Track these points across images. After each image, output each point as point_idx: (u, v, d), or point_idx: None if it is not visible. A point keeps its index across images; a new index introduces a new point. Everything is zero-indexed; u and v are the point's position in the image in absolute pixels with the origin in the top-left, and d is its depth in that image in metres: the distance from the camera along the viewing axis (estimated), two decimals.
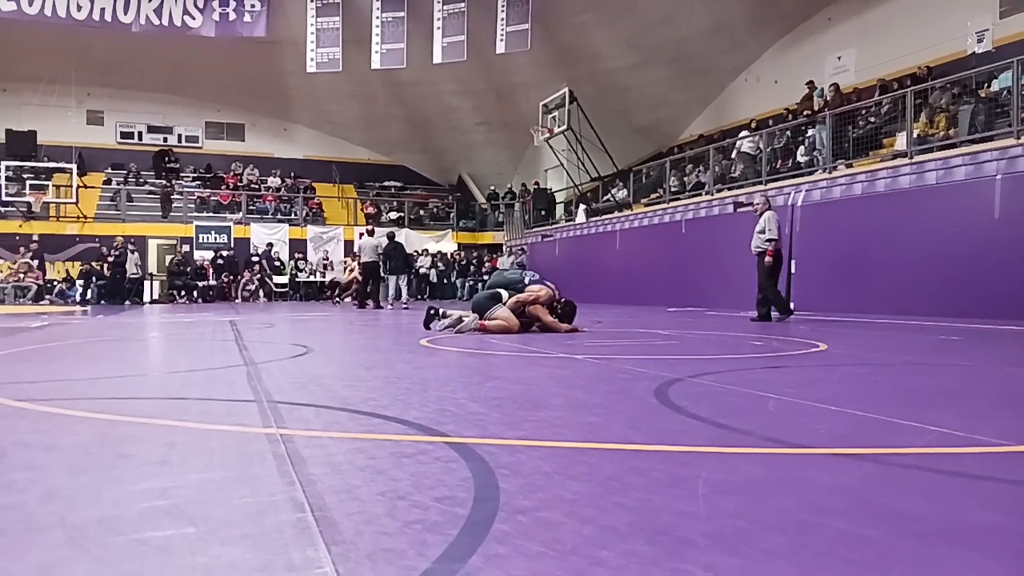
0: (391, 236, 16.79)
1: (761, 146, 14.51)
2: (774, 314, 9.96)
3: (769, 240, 9.76)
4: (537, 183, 26.67)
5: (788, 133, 16.68)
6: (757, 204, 10.25)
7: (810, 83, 17.39)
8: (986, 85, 12.39)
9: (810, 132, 15.67)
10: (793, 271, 13.31)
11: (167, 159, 27.29)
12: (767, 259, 9.73)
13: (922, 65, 15.41)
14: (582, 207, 23.01)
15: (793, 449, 2.37)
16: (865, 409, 3.04)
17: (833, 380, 4.22)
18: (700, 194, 18.13)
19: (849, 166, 13.83)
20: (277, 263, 24.21)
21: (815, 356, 5.44)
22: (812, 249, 12.24)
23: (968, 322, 9.25)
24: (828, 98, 16.05)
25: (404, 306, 15.79)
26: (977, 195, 10.53)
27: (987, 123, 11.74)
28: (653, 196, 20.50)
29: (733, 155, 15.96)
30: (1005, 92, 11.86)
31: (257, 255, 23.92)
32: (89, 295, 20.85)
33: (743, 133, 16.09)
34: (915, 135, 12.69)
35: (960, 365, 4.87)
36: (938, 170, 11.61)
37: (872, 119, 14.42)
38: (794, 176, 15.27)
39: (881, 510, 1.72)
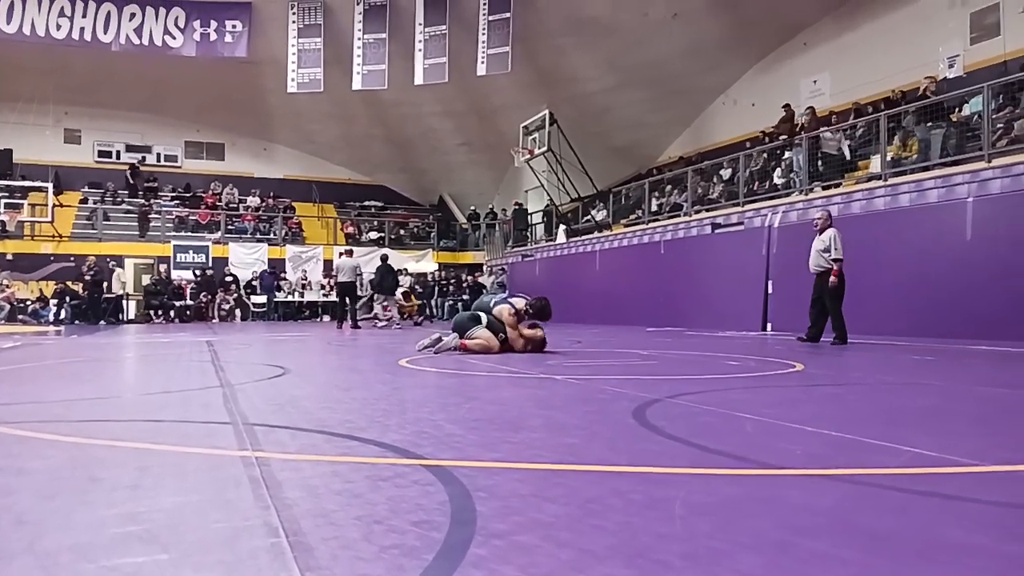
0: (384, 258, 17.08)
1: (843, 144, 13.90)
2: (825, 339, 9.43)
3: (836, 260, 9.20)
4: (518, 203, 26.78)
5: (765, 155, 16.90)
6: (818, 219, 9.67)
7: (786, 106, 17.66)
8: (957, 109, 12.64)
9: (787, 155, 15.89)
10: (770, 291, 13.44)
11: (135, 170, 26.90)
12: (832, 279, 9.16)
13: (895, 89, 15.71)
14: (562, 227, 23.11)
15: (769, 470, 2.38)
16: (841, 429, 3.06)
17: (810, 400, 4.25)
18: (679, 215, 18.28)
19: (827, 187, 14.04)
20: (283, 281, 24.09)
21: (792, 376, 5.48)
22: (789, 270, 12.37)
23: (942, 342, 9.36)
24: (804, 121, 16.29)
25: (397, 326, 15.90)
26: (949, 217, 10.71)
27: (958, 147, 11.97)
28: (632, 217, 20.64)
29: (820, 152, 14.51)
30: (976, 116, 12.11)
31: (258, 274, 23.75)
32: (63, 315, 20.57)
33: (824, 131, 14.63)
34: (889, 158, 12.91)
35: (934, 385, 4.92)
36: (911, 192, 11.80)
37: (848, 142, 14.64)
38: (771, 198, 15.45)
39: (856, 530, 1.73)
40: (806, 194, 14.30)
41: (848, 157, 14.18)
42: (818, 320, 9.47)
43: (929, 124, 12.53)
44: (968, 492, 2.09)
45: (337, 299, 17.64)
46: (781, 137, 16.77)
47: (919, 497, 2.05)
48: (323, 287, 24.39)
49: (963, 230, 10.47)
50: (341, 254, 17.46)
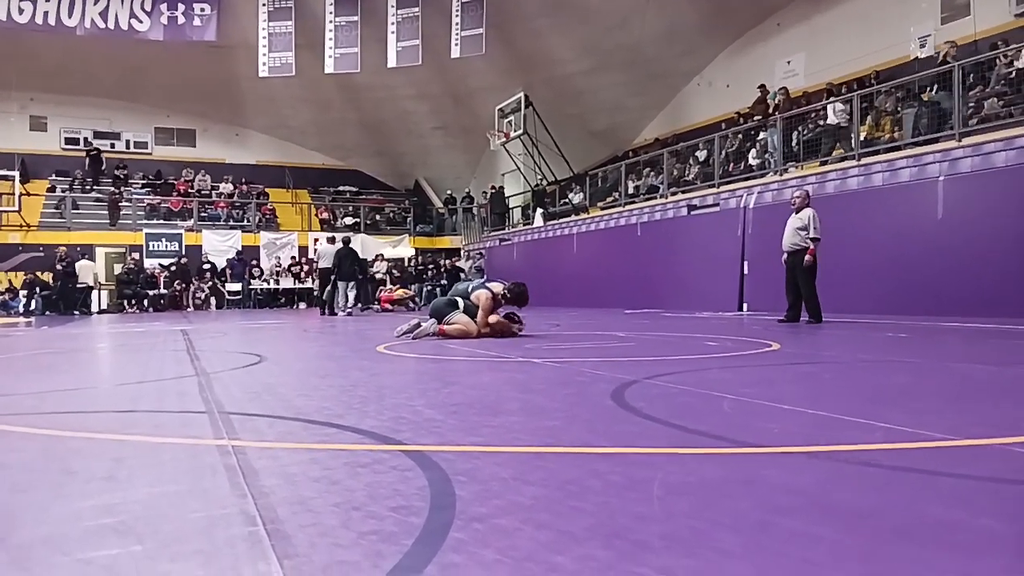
0: (346, 241, 16.53)
1: (852, 113, 13.53)
2: (804, 318, 9.51)
3: (813, 239, 9.24)
4: (494, 187, 26.71)
5: (740, 136, 16.97)
6: (796, 197, 9.70)
7: (762, 87, 17.73)
8: (929, 89, 12.76)
9: (761, 136, 15.97)
10: (746, 272, 13.54)
11: (94, 156, 26.33)
12: (807, 258, 9.22)
13: (870, 69, 15.81)
14: (539, 211, 23.11)
15: (747, 449, 2.40)
16: (818, 407, 3.10)
17: (786, 379, 4.29)
18: (655, 197, 18.34)
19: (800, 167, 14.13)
20: (257, 270, 23.83)
21: (769, 355, 5.53)
22: (764, 250, 12.47)
23: (915, 320, 9.50)
24: (778, 101, 16.37)
25: (347, 313, 15.41)
26: (921, 196, 10.84)
27: (930, 127, 12.09)
28: (609, 200, 20.68)
29: (823, 123, 14.09)
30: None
31: (235, 262, 23.47)
32: (33, 306, 20.24)
33: (834, 101, 14.05)
34: (862, 138, 13.01)
35: (909, 362, 4.99)
36: (884, 172, 11.92)
37: (821, 122, 14.76)
38: (746, 179, 15.54)
39: (835, 508, 1.75)
40: (781, 174, 14.40)
41: (853, 127, 13.76)
42: (796, 301, 9.56)
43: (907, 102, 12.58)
44: (944, 467, 2.12)
45: (318, 286, 17.43)
46: (756, 118, 16.85)
47: (896, 473, 2.08)
48: (293, 273, 24.14)
49: (934, 209, 10.61)
50: (317, 239, 17.23)
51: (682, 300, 14.83)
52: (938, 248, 10.39)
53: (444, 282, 23.12)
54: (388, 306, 18.79)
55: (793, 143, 14.70)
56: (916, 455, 2.28)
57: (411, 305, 19.12)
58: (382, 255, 25.30)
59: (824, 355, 5.62)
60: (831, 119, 13.90)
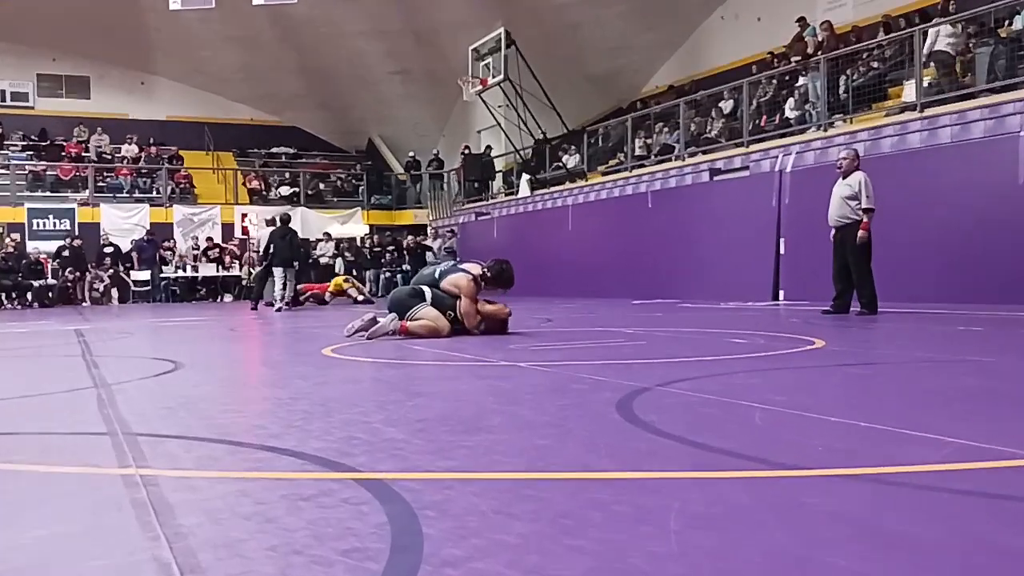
0: (284, 220, 16.19)
1: (952, 47, 13.03)
2: (854, 308, 9.53)
3: (867, 210, 9.21)
4: (468, 148, 26.63)
5: (774, 82, 17.01)
6: (842, 159, 9.68)
7: (801, 20, 17.76)
8: (1007, 23, 12.82)
9: (801, 81, 16.00)
10: (783, 252, 13.60)
11: None
12: (860, 234, 9.20)
13: None
14: (525, 177, 23.07)
15: (784, 471, 2.42)
16: (870, 419, 3.12)
17: (831, 384, 4.32)
18: (669, 159, 18.36)
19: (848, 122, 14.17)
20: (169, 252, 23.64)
21: (810, 355, 5.57)
22: (805, 225, 12.52)
23: (990, 309, 9.58)
24: (821, 39, 16.40)
25: (277, 310, 15.18)
26: (998, 155, 10.90)
27: (1008, 68, 12.15)
28: (612, 163, 20.66)
29: (925, 54, 13.28)
30: None
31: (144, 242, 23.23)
32: None
33: (942, 22, 13.32)
34: (925, 84, 13.06)
35: (983, 361, 5.04)
36: (952, 126, 11.99)
37: (875, 64, 14.80)
38: (782, 135, 15.57)
39: (889, 540, 1.77)
40: (825, 130, 14.45)
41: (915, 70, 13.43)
42: (846, 288, 9.61)
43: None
44: (1022, 491, 2.15)
45: (258, 276, 17.30)
46: (794, 59, 16.88)
47: (963, 498, 2.10)
48: (213, 258, 23.96)
49: (1014, 171, 10.68)
50: (272, 221, 16.91)
51: (703, 287, 14.88)
52: (1020, 219, 10.45)
53: (407, 267, 23.08)
54: (326, 297, 18.64)
55: (840, 90, 14.74)
56: (989, 477, 2.31)
57: (355, 297, 19.00)
58: (328, 234, 25.20)
59: (878, 354, 5.67)
60: (940, 44, 13.16)
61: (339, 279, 19.81)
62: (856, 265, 9.39)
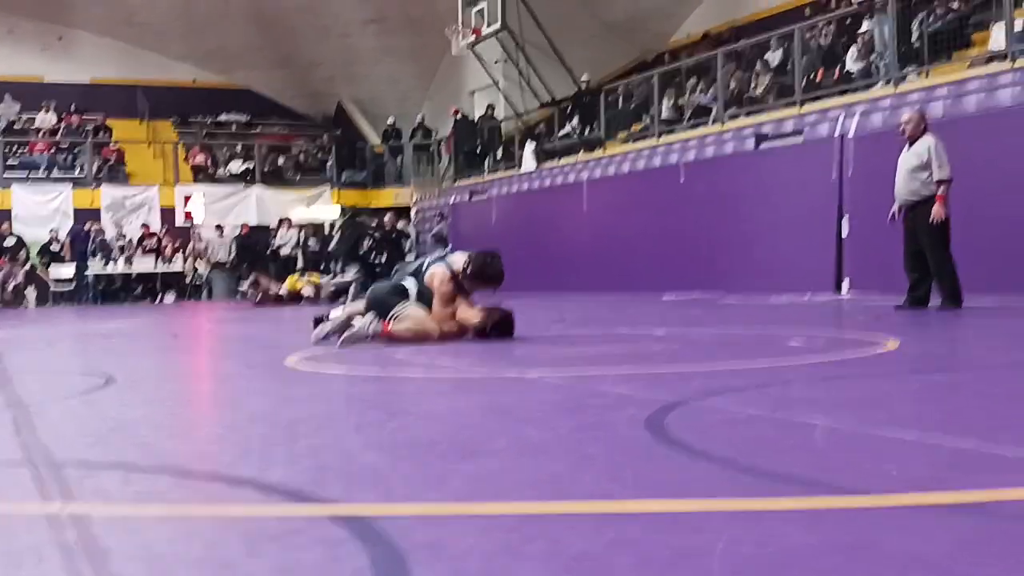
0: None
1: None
2: (935, 302, 9.50)
3: (940, 181, 9.16)
4: (460, 112, 26.58)
5: (832, 28, 16.96)
6: (905, 123, 9.66)
7: None
8: None
9: (865, 26, 15.96)
10: (846, 233, 13.57)
11: None
12: (936, 210, 9.12)
13: None
14: (529, 148, 23.04)
15: (850, 500, 2.41)
16: (955, 437, 3.11)
17: (907, 395, 4.31)
18: (705, 123, 18.32)
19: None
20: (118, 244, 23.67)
21: (882, 359, 5.55)
22: (872, 201, 12.48)
23: None
24: None
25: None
26: None
27: None
28: (635, 129, 20.63)
29: None
30: None
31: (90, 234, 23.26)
32: None
33: None
34: (1018, 27, 13.02)
35: None
36: None
37: (954, 4, 14.76)
38: (842, 93, 15.54)
39: None
40: (895, 85, 14.41)
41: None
42: (922, 277, 9.54)
43: None
44: None
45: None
46: (856, 1, 16.83)
47: None
48: (148, 249, 23.96)
49: None
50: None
51: (749, 278, 14.86)
52: None
53: (381, 259, 22.88)
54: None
55: (913, 37, 14.69)
56: None
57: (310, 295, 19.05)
58: (288, 220, 25.15)
59: (965, 357, 5.66)
60: None
61: (293, 277, 19.84)
62: (932, 250, 9.32)
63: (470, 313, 7.61)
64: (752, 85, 18.02)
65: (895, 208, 9.61)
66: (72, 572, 2.01)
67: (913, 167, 9.41)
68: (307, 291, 19.08)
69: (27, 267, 22.81)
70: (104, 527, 2.38)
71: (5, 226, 23.08)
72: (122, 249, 23.98)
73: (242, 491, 2.74)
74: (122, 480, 2.97)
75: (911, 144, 9.50)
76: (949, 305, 9.28)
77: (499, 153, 25.43)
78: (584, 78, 22.84)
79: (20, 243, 23.04)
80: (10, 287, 22.28)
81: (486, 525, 2.29)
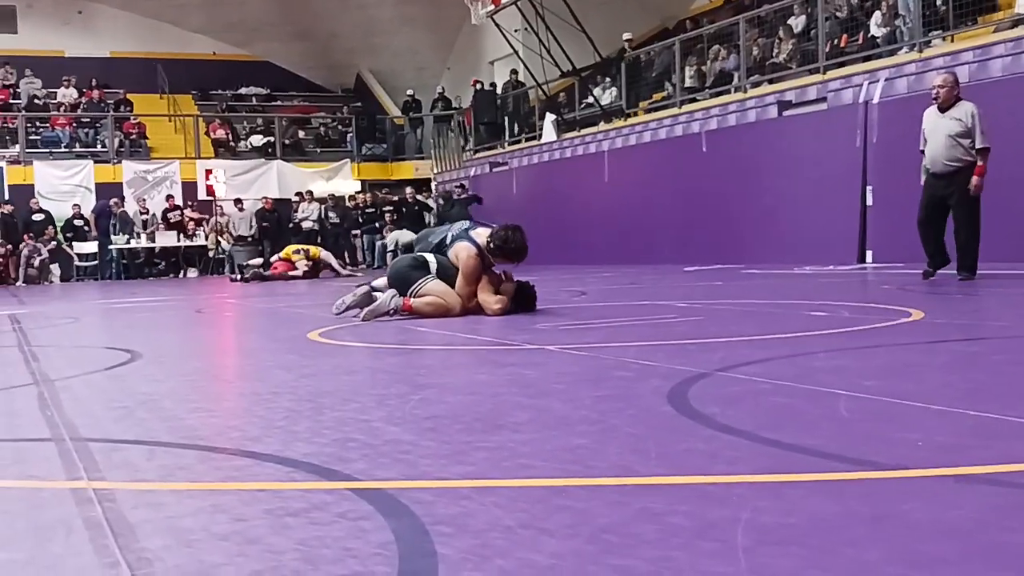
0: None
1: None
2: (946, 271, 9.37)
3: (981, 150, 8.98)
4: (480, 83, 26.46)
5: None
6: (939, 88, 9.43)
7: None
8: None
9: None
10: (870, 203, 13.48)
11: None
12: (975, 180, 8.95)
13: None
14: (550, 118, 22.93)
15: (876, 472, 2.41)
16: (981, 407, 3.10)
17: (934, 365, 4.30)
18: (728, 91, 18.19)
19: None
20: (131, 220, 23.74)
21: (907, 329, 5.53)
22: (897, 169, 12.40)
23: None
24: None
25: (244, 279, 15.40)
26: None
27: None
28: (657, 97, 20.50)
29: None
30: None
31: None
32: None
33: None
34: None
35: None
36: None
37: None
38: (867, 59, 15.39)
39: (1007, 556, 1.76)
40: (920, 51, 14.26)
41: None
42: (939, 247, 9.38)
43: None
44: None
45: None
46: None
47: None
48: (172, 222, 23.99)
49: None
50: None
51: (772, 249, 14.79)
52: None
53: (404, 233, 22.89)
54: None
55: (938, 1, 14.53)
56: None
57: (337, 270, 18.99)
58: (309, 192, 25.15)
59: (992, 326, 5.63)
60: None
61: (289, 249, 19.47)
62: (967, 220, 9.15)
63: (491, 300, 7.52)
64: (775, 51, 17.87)
65: (924, 173, 9.47)
66: (99, 546, 2.03)
67: (956, 133, 9.15)
68: (301, 265, 18.67)
69: (52, 244, 22.88)
70: (130, 501, 2.40)
71: (33, 201, 23.16)
72: (145, 224, 24.06)
73: (267, 466, 2.76)
74: (147, 455, 3.00)
75: (944, 109, 9.35)
76: (966, 276, 9.17)
77: (523, 123, 25.29)
78: (626, 36, 22.75)
79: (48, 218, 23.11)
80: (35, 263, 22.39)
81: (509, 498, 2.30)
